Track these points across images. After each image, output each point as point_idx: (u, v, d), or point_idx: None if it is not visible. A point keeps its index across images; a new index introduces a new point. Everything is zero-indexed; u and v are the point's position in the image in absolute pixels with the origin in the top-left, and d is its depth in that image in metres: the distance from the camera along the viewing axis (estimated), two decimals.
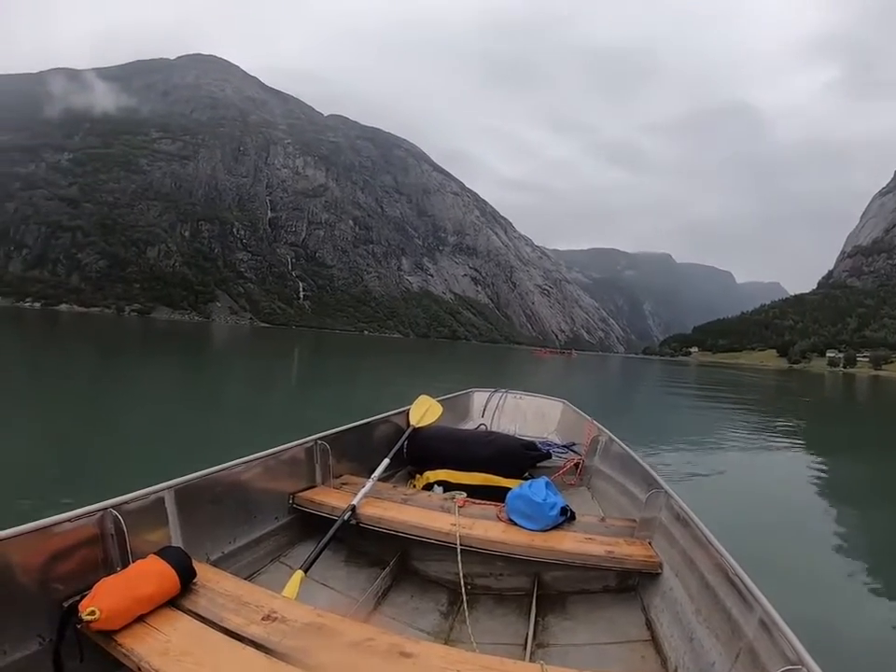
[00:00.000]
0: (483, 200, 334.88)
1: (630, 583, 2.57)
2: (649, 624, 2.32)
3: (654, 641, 2.21)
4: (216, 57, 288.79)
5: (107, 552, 1.98)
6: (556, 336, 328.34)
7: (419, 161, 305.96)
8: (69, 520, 1.86)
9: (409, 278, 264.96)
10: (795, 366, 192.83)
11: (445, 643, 2.21)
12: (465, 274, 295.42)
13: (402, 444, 3.92)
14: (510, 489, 2.99)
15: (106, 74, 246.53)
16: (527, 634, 2.32)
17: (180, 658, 1.58)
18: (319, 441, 3.27)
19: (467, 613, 2.34)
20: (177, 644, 1.66)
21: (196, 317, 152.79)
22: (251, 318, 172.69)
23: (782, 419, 18.33)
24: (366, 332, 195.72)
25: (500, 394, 6.23)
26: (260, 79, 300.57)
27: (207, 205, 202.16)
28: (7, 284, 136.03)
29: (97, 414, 9.22)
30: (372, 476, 3.20)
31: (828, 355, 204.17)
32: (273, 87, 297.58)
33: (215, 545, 2.48)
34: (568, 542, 2.59)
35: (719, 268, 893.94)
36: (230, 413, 10.98)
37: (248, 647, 1.67)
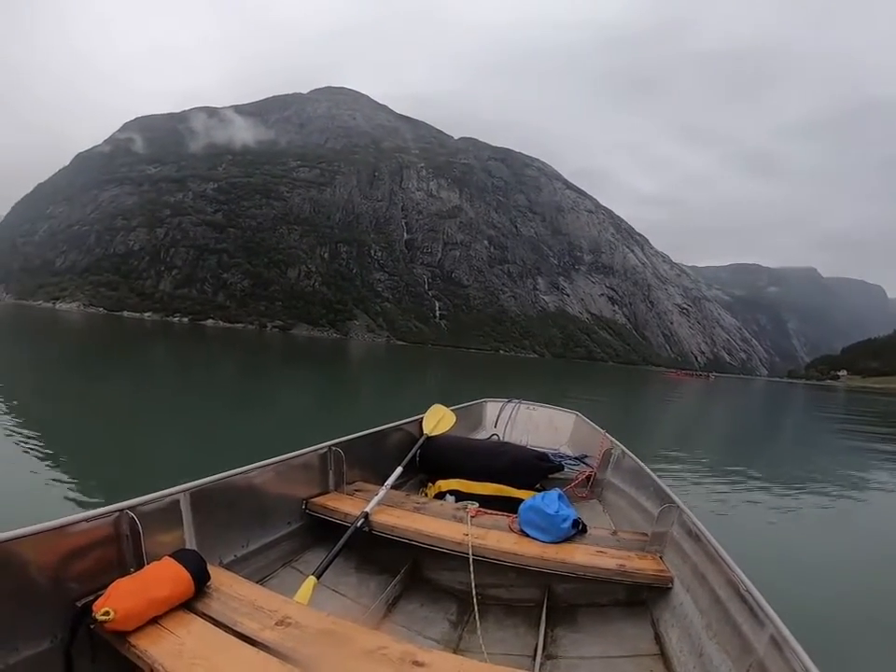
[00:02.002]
0: (618, 216, 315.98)
1: (640, 597, 2.53)
2: (658, 639, 2.28)
3: (664, 656, 2.17)
4: (346, 88, 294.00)
5: (122, 553, 1.97)
6: (696, 358, 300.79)
7: (551, 179, 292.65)
8: (85, 520, 1.85)
9: (545, 298, 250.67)
10: None
11: (454, 652, 2.18)
12: (601, 294, 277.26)
13: (415, 453, 3.90)
14: (522, 500, 2.98)
15: (244, 110, 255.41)
16: (537, 645, 2.29)
17: (194, 661, 1.57)
18: (333, 448, 3.25)
19: (478, 623, 2.31)
20: (191, 647, 1.64)
21: (334, 334, 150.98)
22: (388, 336, 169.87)
23: None
24: (501, 352, 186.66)
25: (513, 404, 6.18)
26: (390, 107, 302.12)
27: (345, 228, 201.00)
28: (158, 301, 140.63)
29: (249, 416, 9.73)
30: (385, 484, 3.18)
31: None
32: (402, 113, 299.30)
33: (228, 548, 2.47)
34: (580, 555, 2.55)
35: (869, 282, 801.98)
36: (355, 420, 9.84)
37: (262, 651, 1.65)
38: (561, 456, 4.65)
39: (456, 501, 3.50)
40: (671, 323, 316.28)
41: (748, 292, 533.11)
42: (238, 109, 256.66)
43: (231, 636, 1.73)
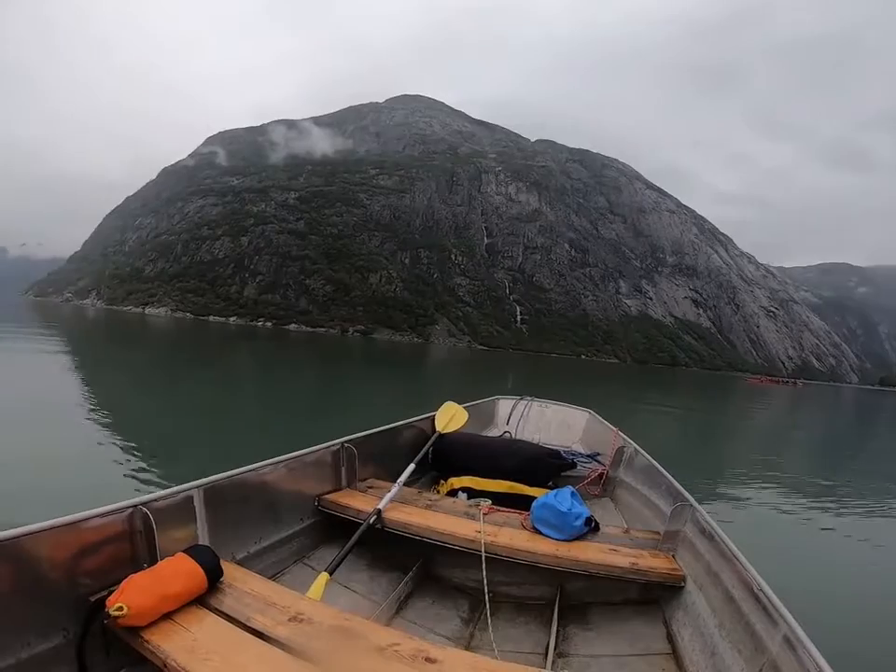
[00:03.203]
0: (701, 216, 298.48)
1: (652, 596, 2.50)
2: (670, 638, 2.26)
3: (675, 655, 2.14)
4: (421, 96, 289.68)
5: (136, 548, 1.96)
6: (783, 364, 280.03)
7: (631, 179, 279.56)
8: (99, 515, 1.83)
9: (627, 301, 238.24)
10: None
11: (466, 649, 2.16)
12: (685, 297, 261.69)
13: (428, 450, 3.88)
14: (534, 498, 2.98)
15: (321, 121, 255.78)
16: (548, 643, 2.27)
17: (207, 657, 1.55)
18: (346, 445, 3.24)
19: (490, 620, 2.29)
20: (204, 642, 1.62)
21: (416, 339, 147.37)
22: (469, 341, 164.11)
23: None
24: (582, 356, 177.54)
25: (525, 402, 6.21)
26: (466, 112, 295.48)
27: (425, 234, 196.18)
28: (243, 306, 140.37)
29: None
30: (398, 481, 3.17)
31: None
32: (478, 118, 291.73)
33: (241, 545, 2.45)
34: (592, 553, 2.53)
35: None
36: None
37: (275, 647, 1.63)
38: (573, 454, 4.69)
39: (469, 499, 3.51)
40: (757, 327, 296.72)
41: (836, 293, 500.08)
42: (316, 121, 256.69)
43: (244, 631, 1.71)
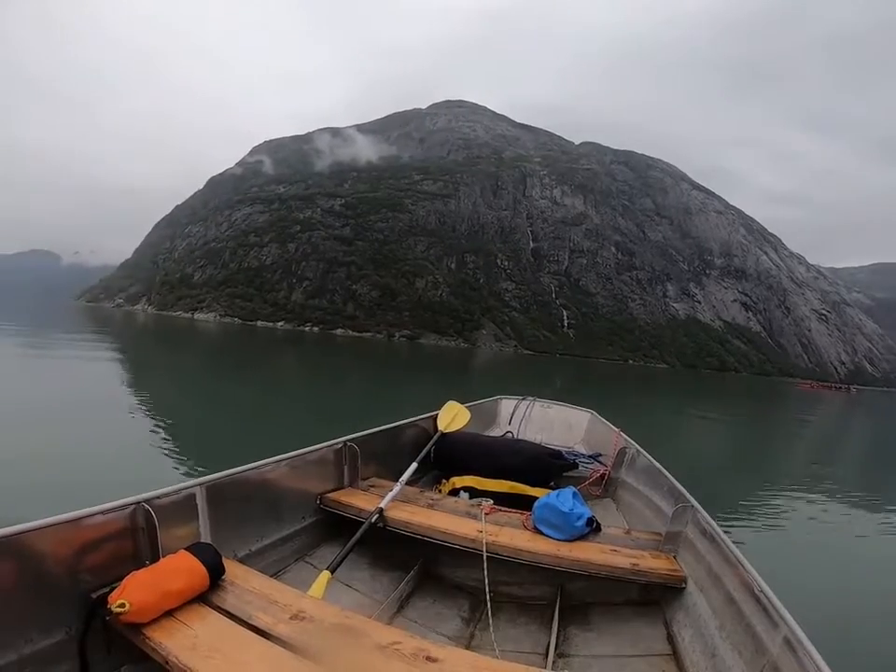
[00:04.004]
0: (749, 216, 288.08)
1: (653, 597, 2.49)
2: (671, 639, 2.24)
3: (676, 656, 2.13)
4: (464, 101, 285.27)
5: (138, 545, 1.94)
6: (835, 368, 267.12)
7: (677, 180, 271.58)
8: (101, 512, 1.82)
9: (675, 305, 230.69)
10: None
11: (466, 649, 2.16)
12: (734, 300, 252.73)
13: (430, 449, 3.87)
14: (536, 498, 2.96)
15: (365, 128, 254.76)
16: (549, 643, 2.25)
17: (209, 654, 1.54)
18: (348, 443, 3.21)
19: (491, 620, 2.29)
20: (206, 640, 1.61)
21: (462, 344, 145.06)
22: (515, 346, 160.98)
23: None
24: (630, 361, 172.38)
25: (528, 402, 6.19)
26: (509, 116, 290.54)
27: (471, 238, 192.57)
28: (290, 311, 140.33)
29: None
30: (400, 480, 3.15)
31: None
32: (522, 122, 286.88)
33: (242, 542, 2.44)
34: (593, 553, 2.52)
35: None
36: None
37: (276, 645, 1.62)
38: (575, 454, 4.71)
39: (470, 498, 3.49)
40: (808, 330, 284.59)
41: (891, 294, 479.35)
42: (360, 128, 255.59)
43: (245, 629, 1.70)
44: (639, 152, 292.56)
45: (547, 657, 2.16)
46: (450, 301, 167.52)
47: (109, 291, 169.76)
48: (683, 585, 2.36)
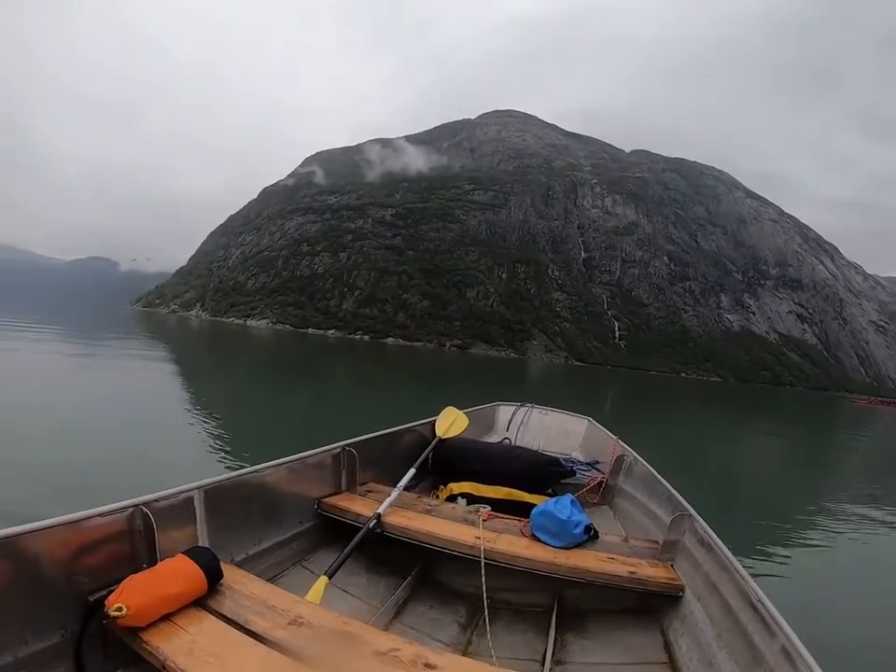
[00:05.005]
0: (804, 224, 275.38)
1: (650, 605, 2.46)
2: (668, 647, 2.22)
3: (673, 665, 2.10)
4: (514, 111, 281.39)
5: (135, 549, 1.91)
6: (894, 383, 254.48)
7: (730, 188, 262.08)
8: (99, 515, 1.79)
9: (728, 317, 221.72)
10: None
11: (463, 655, 2.13)
12: (789, 311, 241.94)
13: (428, 455, 3.85)
14: (533, 505, 2.94)
15: (415, 139, 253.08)
16: (546, 650, 2.23)
17: (206, 659, 1.52)
18: (346, 448, 3.18)
19: (488, 627, 2.25)
20: (203, 644, 1.59)
21: (512, 354, 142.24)
22: (566, 357, 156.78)
23: None
24: (682, 374, 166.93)
25: (526, 408, 6.16)
26: (559, 125, 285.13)
27: (521, 248, 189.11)
28: (341, 319, 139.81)
29: None
30: (398, 485, 3.13)
31: None
32: (572, 131, 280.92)
33: (240, 546, 2.42)
34: (591, 561, 2.49)
35: None
36: None
37: (274, 651, 1.60)
38: (573, 462, 4.65)
39: (468, 504, 3.46)
40: (866, 343, 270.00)
41: None
42: (410, 138, 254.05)
43: (243, 634, 1.68)
44: (691, 160, 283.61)
45: (544, 664, 2.13)
46: (501, 310, 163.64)
47: (165, 297, 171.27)
48: (681, 594, 2.34)
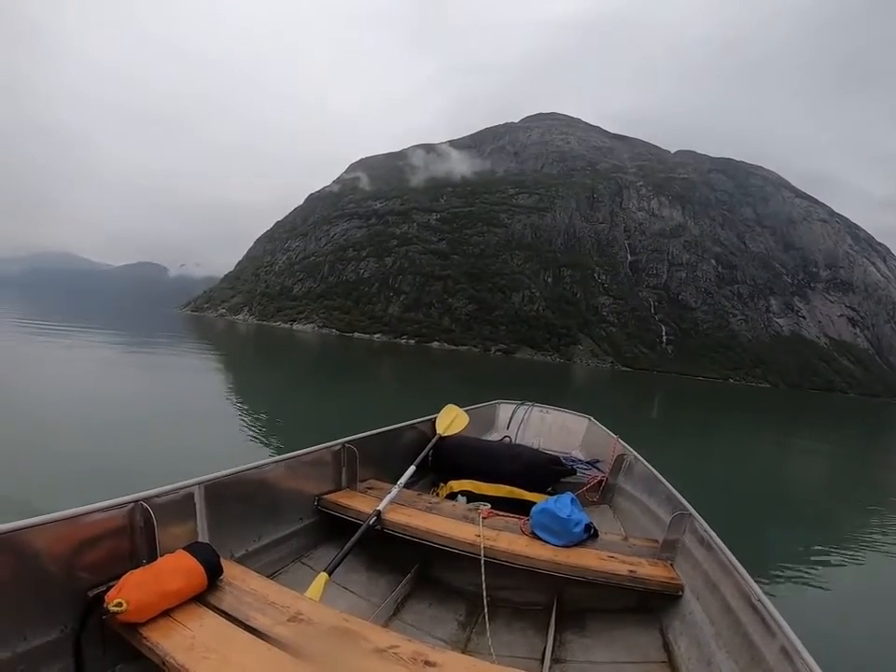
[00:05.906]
0: (855, 224, 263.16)
1: (650, 604, 2.44)
2: (667, 647, 2.20)
3: (672, 664, 2.09)
4: (557, 113, 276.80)
5: (136, 544, 1.90)
6: None
7: (778, 188, 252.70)
8: (100, 510, 1.78)
9: (778, 321, 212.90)
10: None
11: (463, 653, 2.10)
12: (840, 314, 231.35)
13: (428, 452, 3.84)
14: (533, 503, 2.92)
15: (459, 143, 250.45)
16: (545, 649, 2.22)
17: (206, 655, 1.51)
18: (347, 445, 3.16)
19: (488, 625, 2.24)
20: (203, 640, 1.58)
21: (558, 359, 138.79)
22: (612, 362, 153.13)
23: None
24: (731, 380, 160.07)
25: (526, 407, 6.07)
26: (603, 127, 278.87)
27: (567, 252, 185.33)
28: (386, 323, 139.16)
29: None
30: (398, 482, 3.11)
31: None
32: (616, 133, 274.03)
33: (240, 542, 2.40)
34: (591, 560, 2.48)
35: None
36: None
37: (274, 647, 1.59)
38: (573, 460, 4.60)
39: (468, 502, 3.42)
40: None
41: None
42: (453, 143, 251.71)
43: (243, 630, 1.67)
44: (738, 160, 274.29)
45: (543, 662, 2.12)
46: (546, 315, 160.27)
47: (213, 301, 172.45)
48: (680, 593, 2.32)
